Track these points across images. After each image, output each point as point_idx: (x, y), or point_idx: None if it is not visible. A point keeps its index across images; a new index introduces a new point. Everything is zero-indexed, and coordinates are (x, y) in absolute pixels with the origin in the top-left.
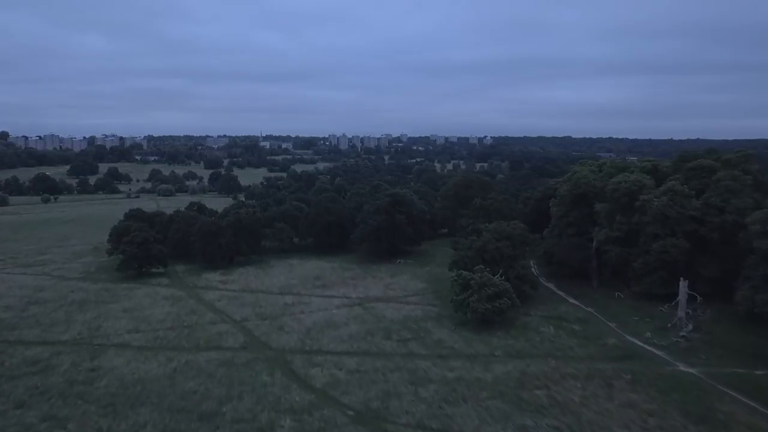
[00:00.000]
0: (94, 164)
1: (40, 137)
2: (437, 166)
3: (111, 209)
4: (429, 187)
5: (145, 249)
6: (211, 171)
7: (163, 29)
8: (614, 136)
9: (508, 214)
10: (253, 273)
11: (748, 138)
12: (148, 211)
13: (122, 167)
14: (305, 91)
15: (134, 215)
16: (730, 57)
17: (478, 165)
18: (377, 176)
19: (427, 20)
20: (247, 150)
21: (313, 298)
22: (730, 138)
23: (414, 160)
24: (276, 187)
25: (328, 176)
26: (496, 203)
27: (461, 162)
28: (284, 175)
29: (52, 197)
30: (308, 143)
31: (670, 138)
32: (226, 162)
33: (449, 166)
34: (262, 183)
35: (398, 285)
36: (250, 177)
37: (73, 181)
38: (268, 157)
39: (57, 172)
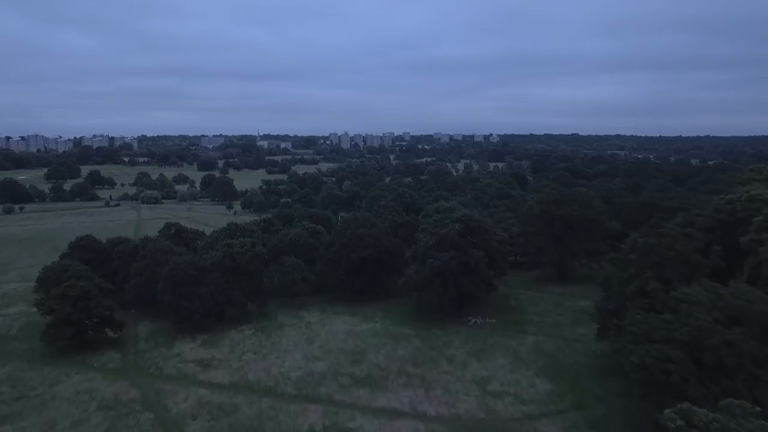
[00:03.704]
0: (76, 167)
1: (22, 137)
2: (448, 165)
3: (82, 222)
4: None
5: (85, 307)
6: (204, 173)
7: (149, 26)
8: (622, 134)
9: (694, 262)
10: (252, 342)
11: (764, 134)
12: (129, 220)
13: (107, 170)
14: (299, 90)
15: (81, 246)
16: (734, 52)
17: (492, 165)
18: (393, 180)
19: (418, 15)
20: (244, 150)
21: (358, 415)
22: (744, 134)
23: (423, 160)
24: (277, 193)
25: (334, 179)
26: (669, 240)
27: (473, 161)
28: (285, 177)
29: (16, 207)
30: (308, 142)
31: (679, 135)
32: (221, 163)
33: (460, 166)
34: (260, 188)
35: (501, 383)
36: (248, 180)
37: (47, 187)
38: (266, 158)
39: (34, 176)
